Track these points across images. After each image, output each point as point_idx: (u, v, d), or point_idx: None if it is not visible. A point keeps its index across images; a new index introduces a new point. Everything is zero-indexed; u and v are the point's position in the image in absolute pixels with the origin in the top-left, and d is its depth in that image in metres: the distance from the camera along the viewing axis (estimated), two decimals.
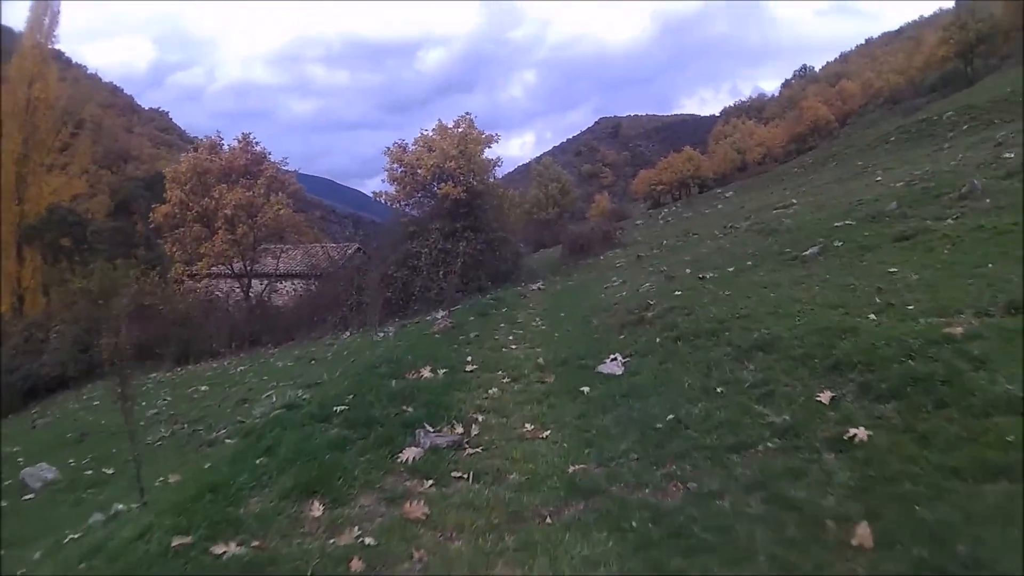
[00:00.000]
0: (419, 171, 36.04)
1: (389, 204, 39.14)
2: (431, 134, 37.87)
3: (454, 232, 34.61)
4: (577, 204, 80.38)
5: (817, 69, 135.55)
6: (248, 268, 41.73)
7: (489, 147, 37.99)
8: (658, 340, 11.01)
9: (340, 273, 37.27)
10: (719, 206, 48.23)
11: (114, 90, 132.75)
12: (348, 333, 32.94)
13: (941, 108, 53.38)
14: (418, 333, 18.73)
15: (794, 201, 30.08)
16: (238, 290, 42.28)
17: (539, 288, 29.35)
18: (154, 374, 30.92)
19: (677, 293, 14.50)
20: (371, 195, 39.47)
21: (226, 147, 42.25)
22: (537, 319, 19.19)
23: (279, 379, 19.74)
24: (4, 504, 12.20)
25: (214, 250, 38.64)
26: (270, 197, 39.51)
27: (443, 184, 34.98)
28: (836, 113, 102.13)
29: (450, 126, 37.79)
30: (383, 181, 38.07)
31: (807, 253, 15.18)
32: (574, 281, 30.10)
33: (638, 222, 55.07)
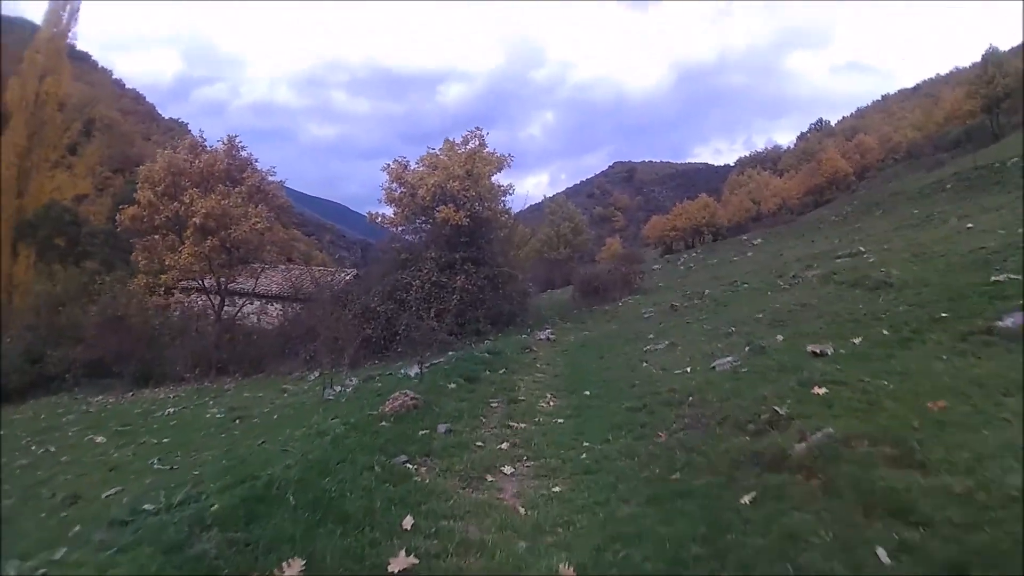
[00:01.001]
0: (419, 191, 29.75)
1: (384, 227, 32.62)
2: (438, 153, 31.71)
3: (452, 264, 28.57)
4: (589, 246, 73.94)
5: (833, 123, 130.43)
6: (222, 286, 35.50)
7: (499, 171, 32.01)
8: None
9: (321, 301, 30.91)
10: (749, 254, 42.36)
11: (136, 97, 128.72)
12: (316, 373, 26.99)
13: (970, 162, 47.78)
14: (370, 404, 12.16)
15: (862, 249, 23.75)
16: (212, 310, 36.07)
17: (548, 338, 23.19)
18: (100, 397, 27.25)
19: (797, 386, 8.11)
20: (366, 216, 32.81)
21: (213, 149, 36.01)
22: (548, 395, 12.86)
23: (162, 454, 13.74)
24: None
25: (179, 262, 32.27)
26: (249, 209, 33.25)
27: (443, 207, 28.70)
28: (854, 166, 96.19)
29: (458, 142, 31.51)
30: (380, 201, 32.08)
31: (1005, 324, 8.63)
32: (592, 331, 24.06)
33: (655, 267, 48.83)
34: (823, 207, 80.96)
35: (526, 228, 72.98)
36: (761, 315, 16.10)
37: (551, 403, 11.95)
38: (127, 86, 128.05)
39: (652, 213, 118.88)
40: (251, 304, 37.73)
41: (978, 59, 78.52)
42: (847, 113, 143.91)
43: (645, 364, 13.82)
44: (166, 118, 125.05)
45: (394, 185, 31.20)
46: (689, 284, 32.84)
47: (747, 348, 11.74)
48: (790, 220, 75.93)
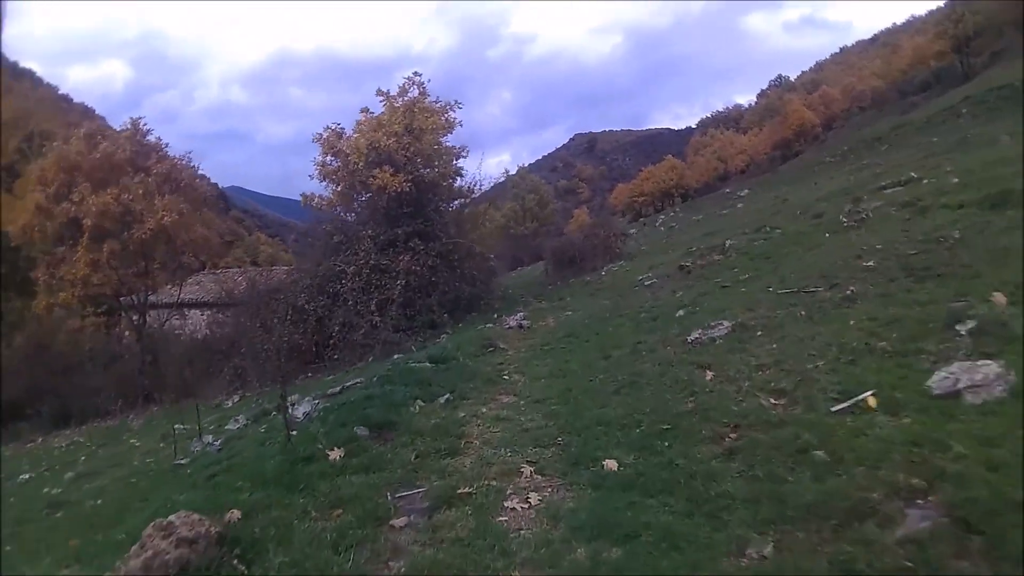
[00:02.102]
0: (350, 157, 23.22)
1: (323, 211, 25.63)
2: (376, 113, 25.30)
3: (394, 241, 21.78)
4: (556, 218, 67.30)
5: (793, 79, 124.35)
6: (140, 299, 28.74)
7: (449, 127, 25.47)
8: None
9: (249, 305, 24.28)
10: (739, 205, 36.22)
11: (84, 111, 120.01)
12: (237, 398, 20.67)
13: (948, 101, 42.17)
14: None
15: (914, 175, 17.53)
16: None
17: (520, 325, 16.91)
18: (13, 443, 22.46)
19: None
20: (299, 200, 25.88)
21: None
22: (525, 467, 6.19)
23: None
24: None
25: (76, 275, 25.61)
26: (156, 201, 26.40)
27: (378, 171, 22.09)
28: (820, 118, 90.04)
29: (394, 93, 24.78)
30: (311, 178, 25.25)
31: None
32: (577, 310, 17.96)
33: (631, 231, 41.90)
34: (794, 159, 75.43)
35: (488, 204, 67.15)
36: (869, 261, 9.68)
37: (538, 500, 5.35)
38: (75, 100, 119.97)
39: (616, 182, 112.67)
40: (186, 318, 31.06)
41: (935, 5, 73.91)
42: (806, 68, 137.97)
43: (710, 376, 7.34)
44: (117, 129, 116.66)
45: (328, 158, 24.43)
46: (684, 242, 26.50)
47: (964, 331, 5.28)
48: (767, 171, 69.90)
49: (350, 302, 20.73)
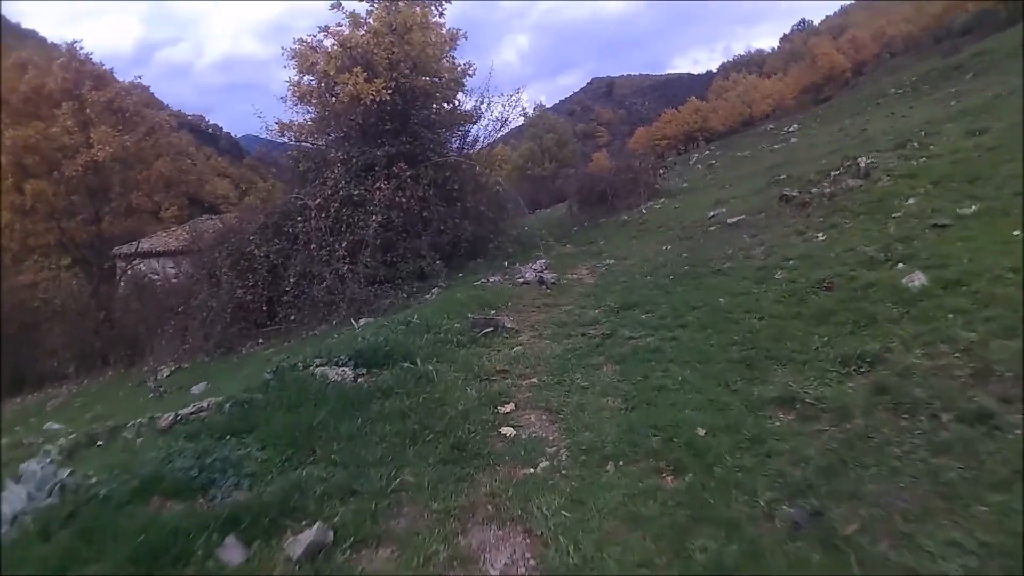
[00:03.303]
0: (319, 64, 17.13)
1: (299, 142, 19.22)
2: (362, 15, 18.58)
3: (371, 166, 15.51)
4: (576, 158, 60.45)
5: (816, 23, 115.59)
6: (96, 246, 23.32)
7: (450, 39, 19.61)
8: None
9: (198, 254, 18.56)
10: (794, 140, 29.44)
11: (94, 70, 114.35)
12: (172, 366, 15.41)
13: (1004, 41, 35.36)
14: None
15: None
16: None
17: (540, 278, 11.01)
18: None
19: None
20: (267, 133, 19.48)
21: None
22: None
23: None
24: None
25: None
26: (91, 135, 20.63)
27: (347, 75, 15.94)
28: (850, 62, 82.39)
29: None
30: (283, 101, 18.60)
31: None
32: (626, 259, 12.25)
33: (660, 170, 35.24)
34: (826, 102, 68.09)
35: (503, 147, 60.62)
36: None
37: None
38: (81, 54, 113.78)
39: (635, 126, 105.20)
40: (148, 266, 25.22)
41: None
42: (830, 12, 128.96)
43: None
44: (125, 82, 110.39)
45: (306, 77, 18.00)
46: (746, 175, 20.34)
47: None
48: (795, 113, 62.84)
49: (312, 245, 14.76)
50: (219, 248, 16.80)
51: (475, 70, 19.63)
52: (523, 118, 62.13)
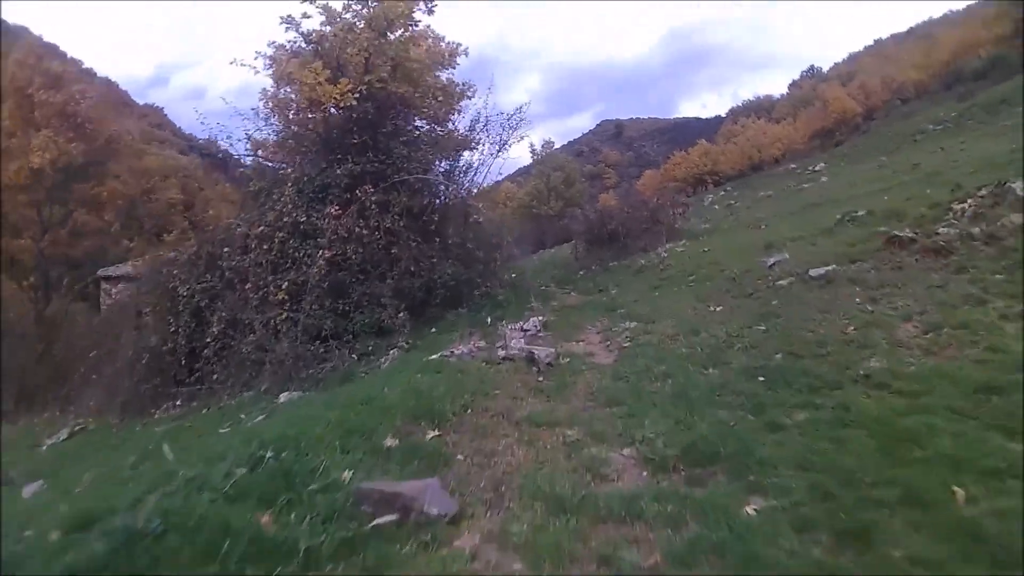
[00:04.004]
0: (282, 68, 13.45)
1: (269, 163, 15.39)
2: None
3: (326, 187, 11.97)
4: (584, 198, 57.09)
5: (825, 70, 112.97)
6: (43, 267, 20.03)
7: (448, 56, 15.91)
8: None
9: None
10: (824, 179, 25.89)
11: (109, 84, 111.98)
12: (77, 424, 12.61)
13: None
14: None
15: None
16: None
17: (531, 353, 7.17)
18: None
19: None
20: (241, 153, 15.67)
21: None
22: None
23: None
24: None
25: None
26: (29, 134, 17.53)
27: (306, 72, 12.36)
28: (860, 108, 79.42)
29: None
30: (255, 111, 14.44)
31: None
32: (645, 321, 8.73)
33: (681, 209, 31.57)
34: (836, 148, 65.05)
35: (511, 185, 57.07)
36: None
37: None
38: (98, 75, 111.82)
39: (643, 169, 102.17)
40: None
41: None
42: (839, 59, 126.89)
43: None
44: (140, 104, 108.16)
45: (283, 88, 14.34)
46: (784, 212, 17.00)
47: None
48: (806, 157, 59.81)
49: (248, 284, 11.25)
50: (149, 282, 13.44)
51: (475, 91, 16.15)
52: (531, 154, 59.54)
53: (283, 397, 8.94)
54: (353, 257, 11.35)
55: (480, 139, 16.22)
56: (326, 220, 11.41)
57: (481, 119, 16.23)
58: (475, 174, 16.36)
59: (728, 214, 24.51)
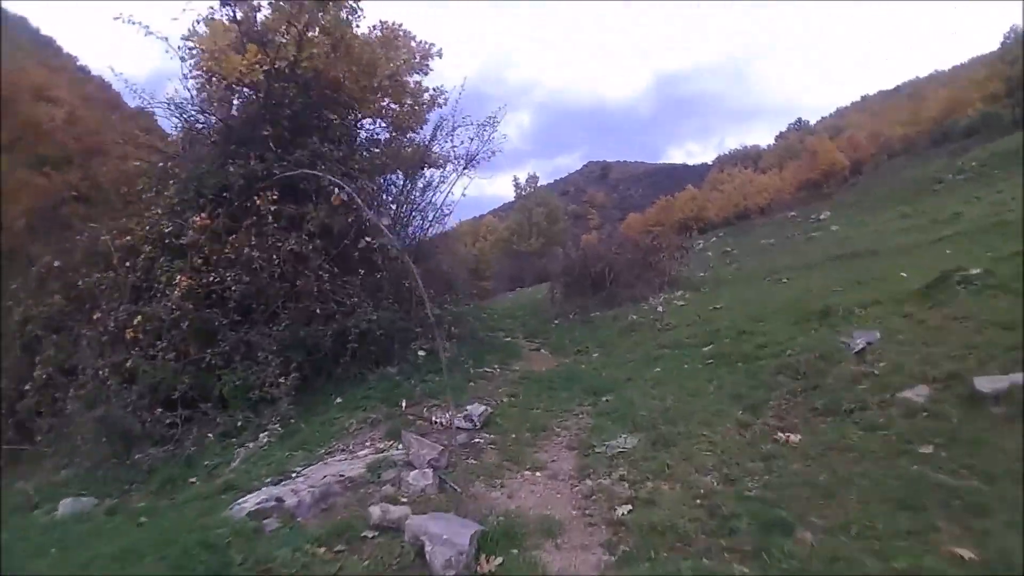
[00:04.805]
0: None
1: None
2: None
3: (221, 192, 8.24)
4: (567, 237, 53.72)
5: (812, 123, 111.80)
6: None
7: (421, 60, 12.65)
8: None
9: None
10: (834, 228, 22.75)
11: (102, 84, 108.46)
12: None
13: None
14: None
15: None
16: None
17: (426, 540, 2.93)
18: None
19: None
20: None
21: None
22: None
23: None
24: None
25: None
26: None
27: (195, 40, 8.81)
28: (848, 161, 77.61)
29: None
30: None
31: None
32: (653, 450, 4.74)
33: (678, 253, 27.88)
34: (822, 201, 62.82)
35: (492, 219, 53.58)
36: None
37: None
38: (92, 72, 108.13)
39: (628, 211, 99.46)
40: None
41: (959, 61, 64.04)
42: (826, 114, 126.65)
43: None
44: (131, 106, 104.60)
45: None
46: (800, 270, 13.79)
47: None
48: (790, 208, 57.36)
49: (98, 314, 7.85)
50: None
51: (446, 99, 12.84)
52: (515, 188, 56.27)
53: (64, 506, 5.46)
54: (233, 288, 7.75)
55: (444, 151, 12.89)
56: (188, 234, 7.86)
57: (446, 126, 12.88)
58: (434, 193, 12.90)
59: (727, 262, 21.19)
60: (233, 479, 5.24)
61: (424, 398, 6.80)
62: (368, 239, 8.74)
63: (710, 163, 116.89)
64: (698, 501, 3.66)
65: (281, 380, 7.14)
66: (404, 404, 6.53)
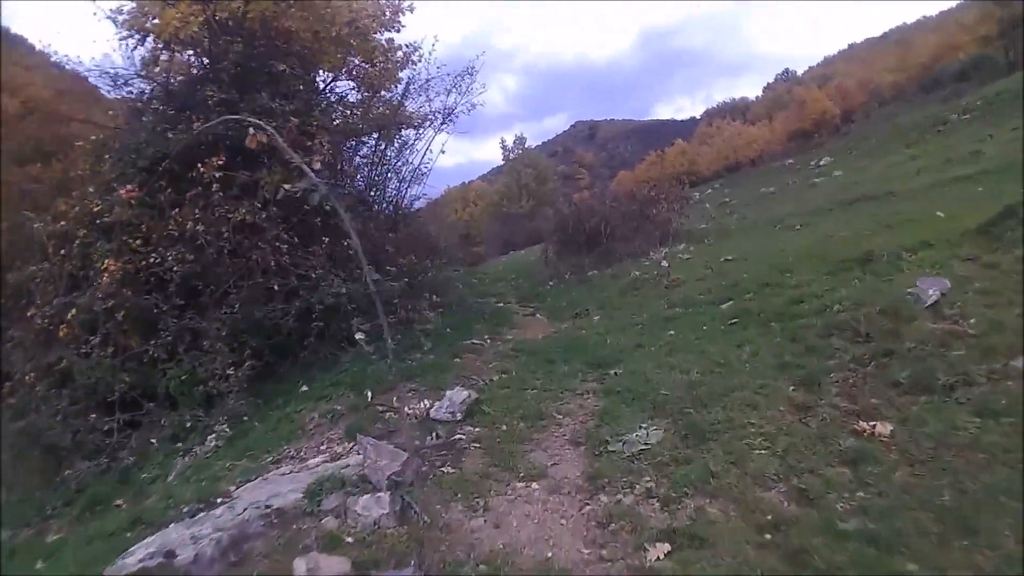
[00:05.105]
0: None
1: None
2: None
3: (159, 163, 6.99)
4: (556, 197, 52.35)
5: (799, 73, 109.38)
6: None
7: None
8: None
9: None
10: (836, 173, 21.30)
11: (76, 77, 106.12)
12: None
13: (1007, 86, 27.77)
14: None
15: None
16: None
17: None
18: None
19: None
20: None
21: None
22: None
23: None
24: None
25: None
26: None
27: None
28: (838, 110, 75.99)
29: None
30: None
31: None
32: (685, 449, 3.42)
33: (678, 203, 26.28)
34: (816, 150, 61.25)
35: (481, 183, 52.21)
36: None
37: None
38: (67, 67, 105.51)
39: (617, 170, 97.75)
40: None
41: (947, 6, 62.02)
42: (813, 63, 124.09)
43: None
44: (109, 97, 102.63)
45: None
46: (815, 214, 12.68)
47: None
48: (782, 158, 55.97)
49: (32, 309, 6.72)
50: None
51: (420, 56, 11.52)
52: (503, 151, 54.63)
53: None
54: (175, 269, 6.57)
55: (419, 106, 11.67)
56: (115, 210, 6.68)
57: (418, 79, 11.65)
58: (411, 153, 11.68)
59: (727, 212, 20.01)
60: (150, 506, 4.14)
61: (400, 382, 5.67)
62: (286, 187, 7.43)
63: (698, 117, 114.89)
64: (768, 536, 2.54)
65: (230, 371, 5.98)
66: (371, 394, 5.37)
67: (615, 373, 5.25)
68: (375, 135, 11.18)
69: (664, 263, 10.51)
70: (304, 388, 6.31)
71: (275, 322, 6.77)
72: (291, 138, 7.38)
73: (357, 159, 11.09)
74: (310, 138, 8.02)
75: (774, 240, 10.70)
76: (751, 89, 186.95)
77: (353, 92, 11.40)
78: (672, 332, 6.29)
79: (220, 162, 7.21)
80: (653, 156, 75.90)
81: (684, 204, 15.66)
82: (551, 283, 12.43)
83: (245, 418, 5.76)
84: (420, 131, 11.73)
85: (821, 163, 26.13)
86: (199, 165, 7.17)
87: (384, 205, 10.89)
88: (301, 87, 8.95)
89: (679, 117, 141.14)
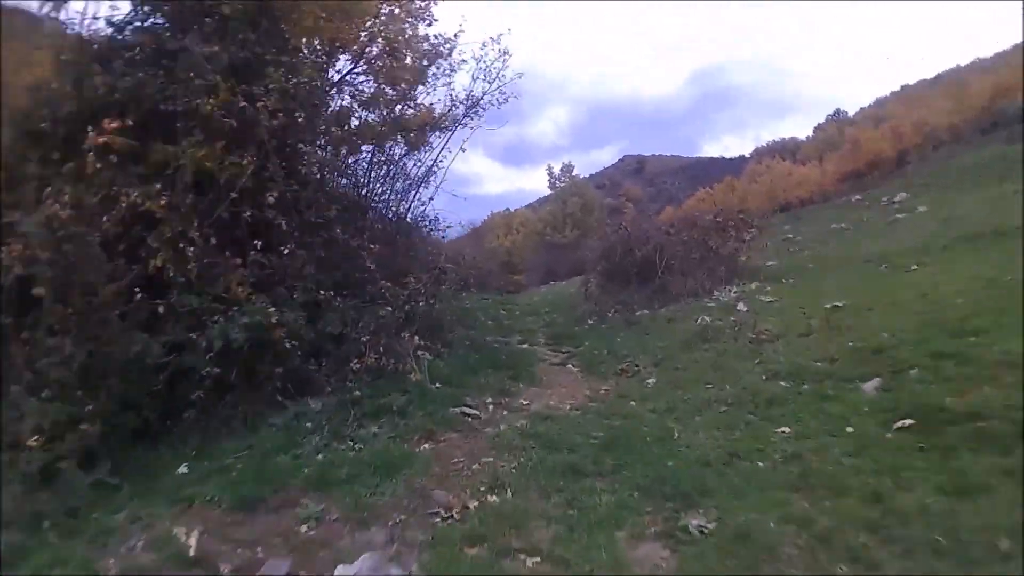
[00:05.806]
0: None
1: None
2: None
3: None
4: (602, 229, 49.87)
5: (851, 114, 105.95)
6: None
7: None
8: None
9: None
10: (920, 209, 18.11)
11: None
12: None
13: None
14: None
15: None
16: None
17: None
18: None
19: None
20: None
21: None
22: None
23: None
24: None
25: None
26: None
27: None
28: (892, 151, 72.72)
29: None
30: None
31: None
32: None
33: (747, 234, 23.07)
34: (872, 190, 58.13)
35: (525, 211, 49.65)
36: None
37: None
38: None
39: (664, 205, 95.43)
40: None
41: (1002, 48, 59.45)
42: (865, 104, 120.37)
43: None
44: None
45: None
46: (893, 254, 9.73)
47: None
48: (829, 200, 53.12)
49: None
50: None
51: (451, 49, 9.20)
52: (549, 179, 52.30)
53: None
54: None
55: (443, 99, 9.23)
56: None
57: (443, 67, 9.24)
58: (424, 150, 9.13)
59: (796, 248, 17.25)
60: None
61: (304, 493, 3.04)
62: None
63: (747, 155, 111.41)
64: None
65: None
66: (196, 536, 2.73)
67: (702, 530, 2.57)
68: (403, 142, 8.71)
69: (741, 306, 7.77)
70: (184, 470, 3.75)
71: (158, 361, 4.21)
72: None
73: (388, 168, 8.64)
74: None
75: (882, 282, 7.92)
76: (798, 129, 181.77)
77: (369, 82, 8.97)
78: (786, 431, 3.58)
79: (114, 126, 4.73)
80: (701, 192, 73.31)
81: (755, 235, 12.77)
82: (590, 321, 9.74)
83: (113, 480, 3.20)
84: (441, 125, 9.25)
85: (896, 199, 23.10)
86: (89, 129, 4.72)
87: (382, 209, 8.36)
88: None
89: (727, 155, 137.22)
